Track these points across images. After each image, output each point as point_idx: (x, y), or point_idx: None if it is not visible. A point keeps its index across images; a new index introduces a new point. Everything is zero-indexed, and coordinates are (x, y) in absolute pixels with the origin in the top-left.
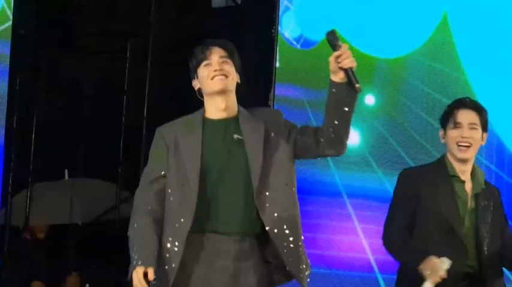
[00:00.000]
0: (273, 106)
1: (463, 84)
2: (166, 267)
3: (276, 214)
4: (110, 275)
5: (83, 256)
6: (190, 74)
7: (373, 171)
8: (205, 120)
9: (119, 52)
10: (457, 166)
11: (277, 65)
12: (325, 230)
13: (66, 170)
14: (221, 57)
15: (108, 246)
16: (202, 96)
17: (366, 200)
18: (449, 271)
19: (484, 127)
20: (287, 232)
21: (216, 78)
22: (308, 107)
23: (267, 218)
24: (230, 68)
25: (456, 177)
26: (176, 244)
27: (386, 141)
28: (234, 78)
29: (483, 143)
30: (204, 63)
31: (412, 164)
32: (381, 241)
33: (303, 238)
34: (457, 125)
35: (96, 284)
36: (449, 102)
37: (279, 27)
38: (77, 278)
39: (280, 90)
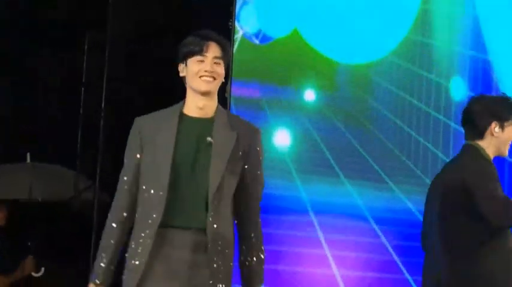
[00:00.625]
0: (229, 101)
1: (436, 86)
2: (137, 262)
3: (215, 226)
4: (66, 260)
5: (39, 241)
6: (178, 55)
7: (342, 184)
8: (182, 116)
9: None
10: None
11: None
12: (290, 258)
13: (28, 154)
14: (215, 57)
15: (65, 231)
16: (183, 82)
17: (335, 219)
18: None
19: None
20: (219, 248)
21: (203, 79)
22: (266, 105)
23: (208, 227)
24: (221, 70)
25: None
26: (147, 239)
27: (355, 151)
28: (221, 80)
29: None
30: (198, 58)
31: (384, 175)
32: (355, 274)
33: (231, 265)
34: None
35: (52, 267)
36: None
37: (238, 22)
38: (32, 261)
39: (237, 86)
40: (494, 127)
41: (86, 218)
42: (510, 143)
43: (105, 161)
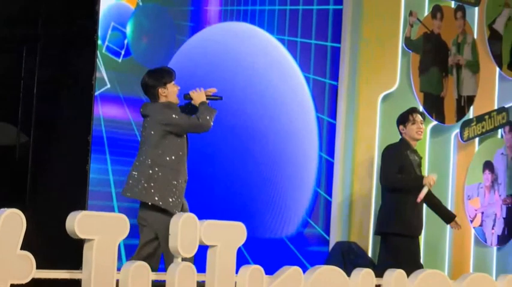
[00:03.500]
0: (92, 120)
1: None
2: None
3: None
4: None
5: None
6: (156, 82)
7: None
8: None
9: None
10: (412, 144)
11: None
12: None
13: None
14: None
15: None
16: (157, 97)
17: None
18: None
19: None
20: None
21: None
22: (134, 124)
23: None
24: None
25: (415, 149)
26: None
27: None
28: None
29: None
30: (174, 82)
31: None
32: None
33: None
34: (414, 122)
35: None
36: None
37: (106, 42)
38: None
39: (106, 105)
40: (402, 129)
41: (23, 161)
42: (417, 132)
43: (38, 125)
